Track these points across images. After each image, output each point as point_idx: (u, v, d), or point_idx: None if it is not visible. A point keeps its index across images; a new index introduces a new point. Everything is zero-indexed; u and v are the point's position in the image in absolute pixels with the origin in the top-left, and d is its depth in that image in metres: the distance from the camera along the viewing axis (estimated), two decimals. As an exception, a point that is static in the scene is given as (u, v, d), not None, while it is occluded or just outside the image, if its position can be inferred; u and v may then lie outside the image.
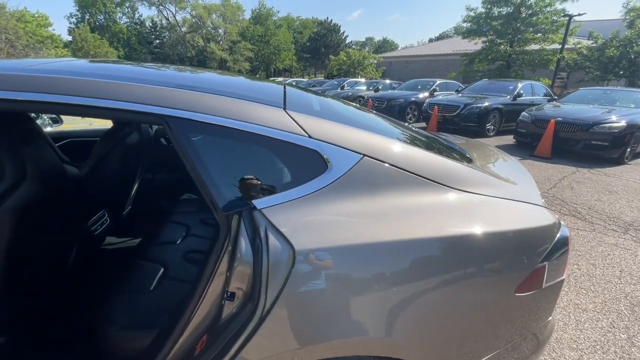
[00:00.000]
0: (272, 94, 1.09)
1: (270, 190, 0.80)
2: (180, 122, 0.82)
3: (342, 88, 14.09)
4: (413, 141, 1.19)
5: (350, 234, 0.79)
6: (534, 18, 14.37)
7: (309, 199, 0.81)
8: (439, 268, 0.83)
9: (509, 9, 14.95)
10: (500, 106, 7.38)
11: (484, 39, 16.14)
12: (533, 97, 8.04)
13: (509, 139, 6.99)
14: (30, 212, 1.10)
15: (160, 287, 1.25)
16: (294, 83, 18.84)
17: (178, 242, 1.54)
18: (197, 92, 0.88)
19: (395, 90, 10.79)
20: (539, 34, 14.53)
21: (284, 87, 1.24)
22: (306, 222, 0.79)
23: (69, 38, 29.15)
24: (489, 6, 15.41)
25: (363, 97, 11.53)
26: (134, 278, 1.28)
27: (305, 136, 0.86)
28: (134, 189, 2.00)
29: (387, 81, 13.48)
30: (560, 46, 14.04)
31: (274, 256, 0.74)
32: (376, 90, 12.01)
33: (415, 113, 9.44)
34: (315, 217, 0.80)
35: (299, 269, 0.74)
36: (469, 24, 16.62)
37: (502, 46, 15.67)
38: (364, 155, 0.87)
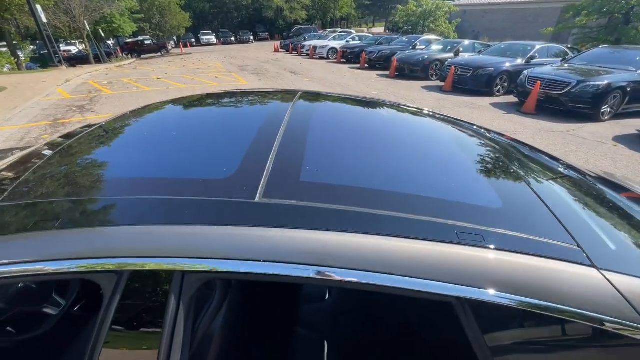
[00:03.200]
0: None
1: None
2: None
3: (414, 48, 12.74)
4: None
5: None
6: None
7: None
8: None
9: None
10: (624, 84, 6.06)
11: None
12: (669, 72, 6.45)
13: (630, 126, 5.80)
14: None
15: None
16: (357, 38, 17.56)
17: None
18: None
19: (481, 55, 9.41)
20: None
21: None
22: None
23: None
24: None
25: (441, 62, 10.32)
26: None
27: None
28: None
29: (466, 42, 11.81)
30: None
31: None
32: (456, 53, 10.63)
33: (505, 85, 8.24)
34: None
35: None
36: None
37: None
38: None
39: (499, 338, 0.68)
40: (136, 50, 22.88)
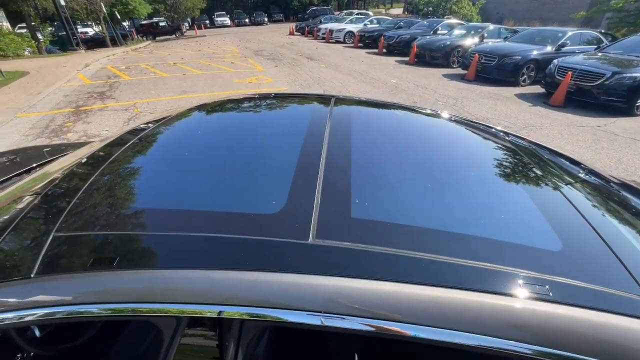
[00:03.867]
0: None
1: None
2: None
3: (435, 32, 12.24)
4: None
5: None
6: None
7: None
8: None
9: None
10: (663, 76, 5.69)
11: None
12: None
13: (668, 122, 5.51)
14: None
15: None
16: (375, 21, 16.93)
17: None
18: None
19: (507, 42, 8.96)
20: None
21: None
22: None
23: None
24: None
25: (463, 48, 9.89)
26: None
27: None
28: None
29: (491, 26, 11.25)
30: None
31: None
32: (481, 39, 10.15)
33: (532, 74, 7.85)
34: None
35: None
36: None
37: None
38: None
39: None
40: (151, 32, 22.80)
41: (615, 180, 1.36)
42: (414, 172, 1.03)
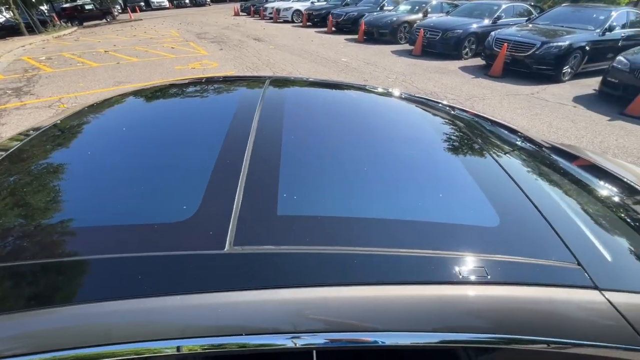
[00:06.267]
0: None
1: None
2: None
3: (382, 8, 12.24)
4: None
5: None
6: None
7: None
8: None
9: None
10: (583, 44, 6.22)
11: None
12: (625, 31, 6.64)
13: (588, 86, 6.06)
14: None
15: None
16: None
17: None
18: None
19: (449, 16, 9.22)
20: None
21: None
22: None
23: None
24: None
25: (409, 24, 10.04)
26: None
27: None
28: None
29: (434, 1, 11.48)
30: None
31: None
32: (425, 14, 10.34)
33: (474, 47, 8.20)
34: None
35: None
36: None
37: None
38: None
39: None
40: (76, 17, 20.26)
41: (548, 145, 1.41)
42: (350, 157, 0.96)
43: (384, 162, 0.96)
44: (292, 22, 16.02)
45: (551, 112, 5.02)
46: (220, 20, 18.55)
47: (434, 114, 1.39)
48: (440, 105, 1.62)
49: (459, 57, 8.15)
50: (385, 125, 1.23)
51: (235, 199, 0.71)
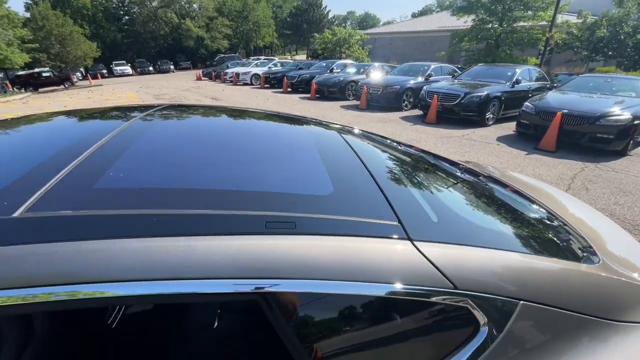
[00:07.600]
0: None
1: None
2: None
3: (332, 71, 13.56)
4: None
5: None
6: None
7: None
8: None
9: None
10: (499, 94, 7.25)
11: (473, 17, 15.80)
12: (530, 83, 7.95)
13: (509, 128, 6.91)
14: None
15: None
16: (278, 64, 18.10)
17: None
18: None
19: (389, 76, 10.43)
20: (530, 12, 14.31)
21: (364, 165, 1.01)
22: None
23: (27, 15, 26.41)
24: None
25: (355, 82, 11.12)
26: None
27: (451, 287, 0.64)
28: None
29: (376, 64, 13.01)
30: (549, 25, 13.92)
31: None
32: (367, 74, 11.59)
33: (411, 100, 9.18)
34: None
35: None
36: (460, 0, 16.18)
37: (492, 24, 15.41)
38: (523, 300, 0.68)
39: (318, 328, 0.64)
40: (31, 83, 20.10)
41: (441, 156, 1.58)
42: (188, 152, 0.99)
43: (240, 160, 0.99)
44: (251, 84, 17.10)
45: (479, 149, 5.58)
46: (181, 84, 19.30)
47: (311, 124, 1.49)
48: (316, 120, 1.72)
49: (399, 109, 9.03)
50: (245, 136, 1.24)
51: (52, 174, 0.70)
